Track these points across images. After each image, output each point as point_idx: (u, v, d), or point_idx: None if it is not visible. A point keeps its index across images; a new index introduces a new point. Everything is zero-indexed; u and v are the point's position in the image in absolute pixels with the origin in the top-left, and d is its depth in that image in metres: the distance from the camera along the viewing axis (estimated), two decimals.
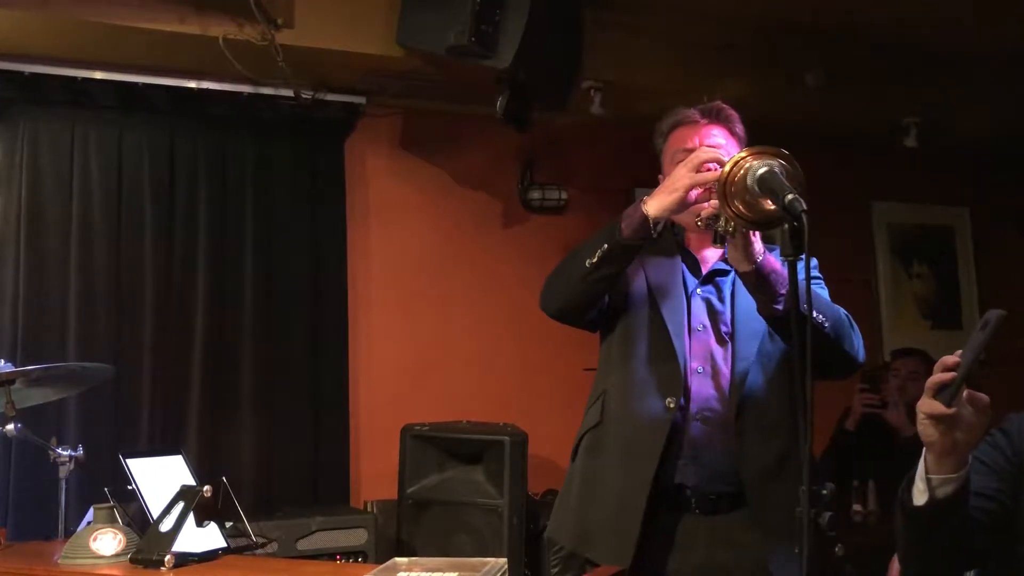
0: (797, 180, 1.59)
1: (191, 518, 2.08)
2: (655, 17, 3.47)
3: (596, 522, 2.00)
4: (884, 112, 4.41)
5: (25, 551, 2.38)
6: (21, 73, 3.44)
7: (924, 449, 1.51)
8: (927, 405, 1.46)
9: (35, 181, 3.51)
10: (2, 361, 2.56)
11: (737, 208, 1.63)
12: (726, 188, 1.62)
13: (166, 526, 2.05)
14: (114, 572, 2.04)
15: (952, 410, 1.43)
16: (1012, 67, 3.88)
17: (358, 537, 3.39)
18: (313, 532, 3.31)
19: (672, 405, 1.94)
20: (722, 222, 1.72)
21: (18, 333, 3.42)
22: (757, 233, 1.79)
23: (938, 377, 1.46)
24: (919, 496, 1.52)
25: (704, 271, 2.07)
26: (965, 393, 1.45)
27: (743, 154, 1.62)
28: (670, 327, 1.99)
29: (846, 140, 4.72)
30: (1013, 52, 3.73)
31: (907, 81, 4.09)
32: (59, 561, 2.11)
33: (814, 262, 2.03)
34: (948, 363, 1.45)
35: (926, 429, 1.47)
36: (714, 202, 1.76)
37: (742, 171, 1.60)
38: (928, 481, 1.50)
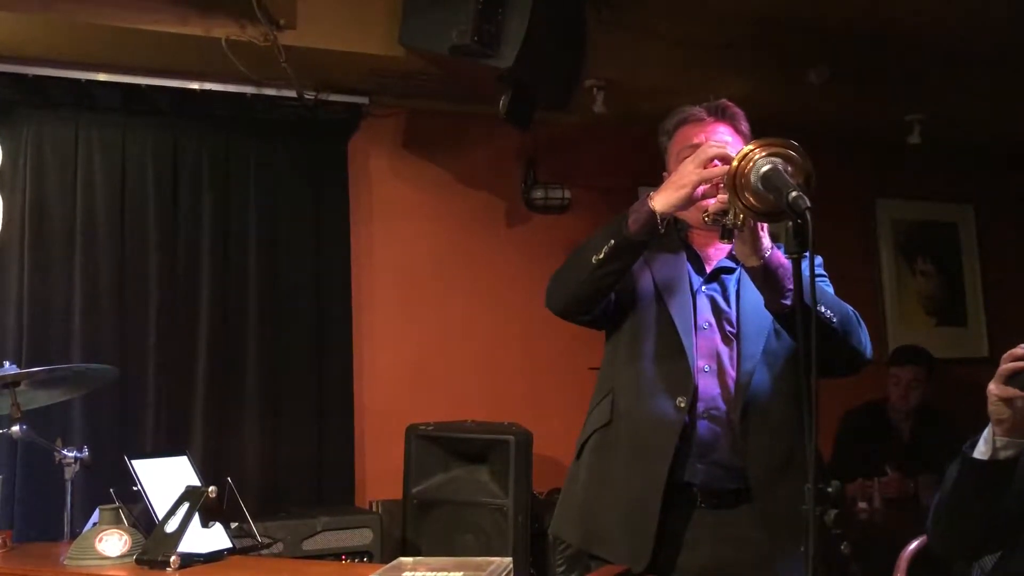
0: (805, 171, 1.59)
1: (196, 519, 2.08)
2: (658, 15, 3.46)
3: (606, 521, 2.00)
4: (888, 109, 4.41)
5: (31, 552, 2.38)
6: (25, 75, 3.45)
7: (991, 422, 1.71)
8: (1001, 389, 1.67)
9: (39, 183, 3.52)
10: (7, 363, 2.56)
11: (748, 200, 1.63)
12: (736, 181, 1.62)
13: (171, 527, 2.06)
14: (120, 573, 2.04)
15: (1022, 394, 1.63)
16: (1017, 64, 3.87)
17: (363, 537, 3.39)
18: (318, 532, 3.31)
19: (683, 404, 1.94)
20: (730, 216, 1.72)
21: (23, 335, 3.42)
22: (765, 227, 1.79)
23: (1009, 366, 1.67)
24: (982, 454, 1.71)
25: (708, 269, 2.07)
26: None
27: (752, 147, 1.62)
28: (678, 325, 1.98)
29: (850, 137, 4.71)
30: (1018, 49, 3.72)
31: (911, 78, 4.08)
32: (65, 562, 2.11)
33: (819, 260, 2.03)
34: (1018, 353, 1.67)
35: (998, 408, 1.68)
36: (722, 197, 1.76)
37: (751, 164, 1.60)
38: (993, 443, 1.69)
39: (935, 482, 3.55)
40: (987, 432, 1.71)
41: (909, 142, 4.52)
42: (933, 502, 1.86)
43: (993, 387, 1.68)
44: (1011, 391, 1.64)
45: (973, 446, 1.73)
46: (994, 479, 1.70)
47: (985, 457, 1.70)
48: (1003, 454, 1.68)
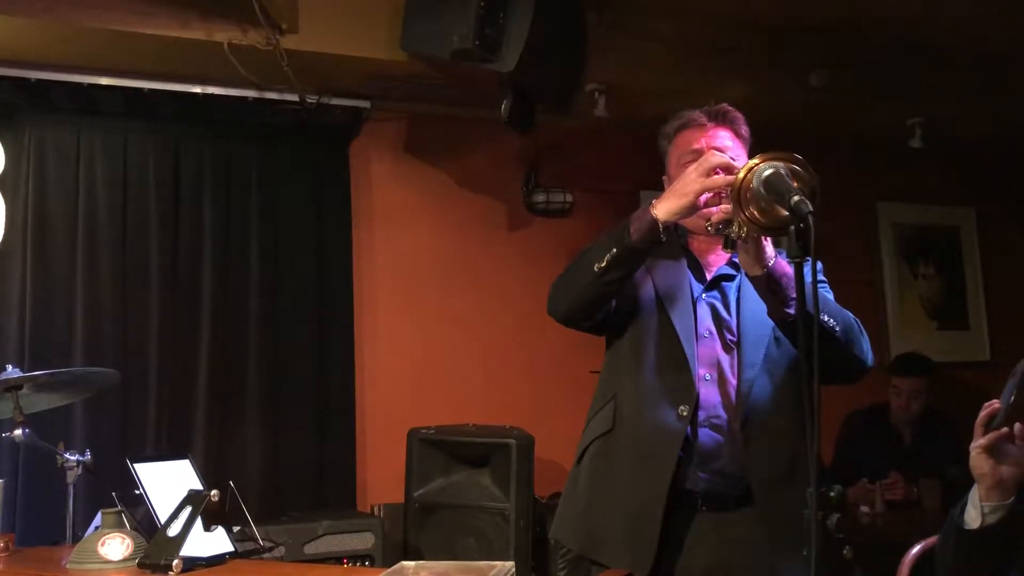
0: (810, 184, 1.59)
1: (198, 523, 2.08)
2: (659, 19, 3.47)
3: (607, 527, 2.00)
4: (889, 112, 4.40)
5: (33, 556, 2.38)
6: (27, 80, 3.45)
7: (976, 482, 1.74)
8: (984, 438, 1.70)
9: (41, 187, 3.52)
10: (10, 367, 2.57)
11: (751, 214, 1.63)
12: (740, 194, 1.62)
13: (174, 531, 2.05)
14: None
15: (1004, 430, 1.67)
16: (1018, 67, 3.87)
17: (365, 541, 3.39)
18: (320, 536, 3.31)
19: (685, 413, 1.94)
20: (735, 227, 1.72)
21: (25, 339, 3.43)
22: (768, 237, 1.79)
23: (984, 413, 1.71)
24: (972, 521, 1.73)
25: (709, 276, 2.07)
26: (1017, 428, 1.68)
27: (757, 160, 1.62)
28: (680, 333, 1.98)
29: (851, 141, 4.71)
30: (1019, 52, 3.72)
31: (912, 81, 4.08)
32: (67, 566, 2.11)
33: (819, 266, 2.03)
34: (994, 404, 1.71)
35: (977, 462, 1.70)
36: (725, 207, 1.76)
37: (755, 174, 1.60)
38: (981, 508, 1.72)
39: (937, 486, 3.56)
40: (974, 495, 1.74)
41: (910, 145, 4.52)
42: (937, 546, 1.87)
43: (973, 444, 1.72)
44: (991, 435, 1.68)
45: (962, 509, 1.75)
46: (987, 545, 1.73)
47: (976, 525, 1.72)
48: (991, 519, 1.71)
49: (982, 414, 1.70)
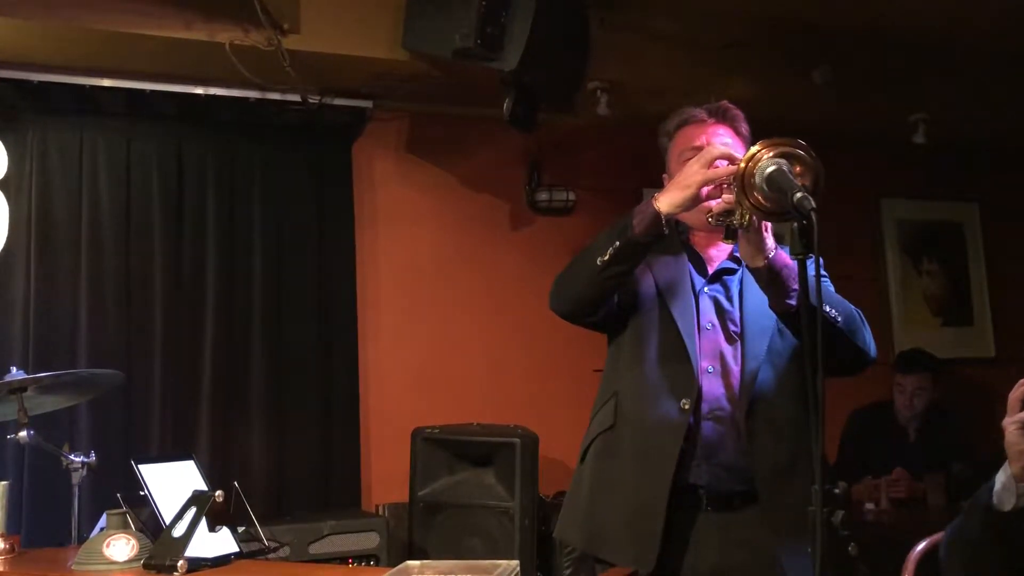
0: (815, 171, 1.59)
1: (203, 523, 2.08)
2: (662, 17, 3.47)
3: (610, 523, 1.99)
4: (893, 109, 4.40)
5: (39, 557, 2.39)
6: (29, 82, 3.45)
7: (1007, 460, 1.65)
8: (1019, 414, 1.63)
9: (44, 189, 3.53)
10: (14, 368, 2.57)
11: (756, 199, 1.63)
12: (744, 180, 1.62)
13: (178, 531, 2.06)
14: None
15: None
16: (1021, 62, 3.86)
17: (370, 541, 3.40)
18: (325, 536, 3.31)
19: (687, 407, 1.93)
20: (736, 216, 1.72)
21: (29, 340, 3.43)
22: (770, 228, 1.79)
23: (1019, 391, 1.64)
24: (1005, 503, 1.66)
25: (711, 270, 2.07)
26: None
27: (760, 146, 1.63)
28: (680, 326, 1.98)
29: (854, 137, 4.70)
30: (1022, 48, 3.71)
31: (916, 78, 4.08)
32: (72, 567, 2.12)
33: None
34: None
35: (1014, 438, 1.63)
36: (727, 197, 1.77)
37: (759, 163, 1.61)
38: (1016, 490, 1.64)
39: (942, 483, 3.56)
40: (1004, 477, 1.66)
41: (914, 141, 4.51)
42: (946, 536, 1.82)
43: (1008, 419, 1.64)
44: None
45: (990, 492, 1.68)
46: (1020, 528, 1.65)
47: (1009, 507, 1.65)
48: None
49: (1019, 390, 1.63)
